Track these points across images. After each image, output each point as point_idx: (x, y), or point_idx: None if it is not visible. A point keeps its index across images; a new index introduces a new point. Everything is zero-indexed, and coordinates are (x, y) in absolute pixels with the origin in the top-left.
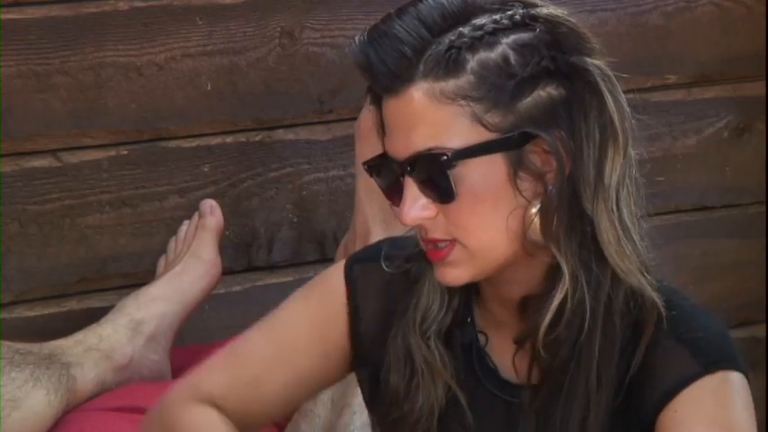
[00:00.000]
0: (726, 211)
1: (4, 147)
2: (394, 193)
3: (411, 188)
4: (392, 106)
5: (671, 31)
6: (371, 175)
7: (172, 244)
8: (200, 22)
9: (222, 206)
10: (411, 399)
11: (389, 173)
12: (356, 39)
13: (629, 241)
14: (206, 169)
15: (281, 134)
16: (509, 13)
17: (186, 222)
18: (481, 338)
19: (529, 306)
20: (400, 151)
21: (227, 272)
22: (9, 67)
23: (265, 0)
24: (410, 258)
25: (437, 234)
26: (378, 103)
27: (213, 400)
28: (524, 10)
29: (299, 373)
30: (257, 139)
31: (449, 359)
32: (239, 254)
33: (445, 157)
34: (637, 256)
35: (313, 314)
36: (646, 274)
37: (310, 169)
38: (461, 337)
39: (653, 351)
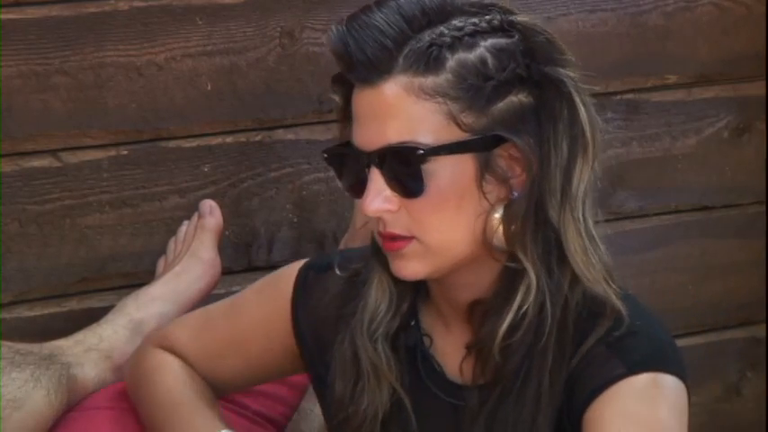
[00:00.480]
0: (726, 211)
1: (4, 147)
2: (355, 184)
3: (376, 180)
4: (366, 97)
5: (671, 31)
6: (329, 164)
7: (171, 244)
8: (200, 22)
9: (222, 206)
10: (356, 401)
11: (353, 163)
12: (334, 27)
13: (595, 250)
14: (206, 169)
15: (280, 134)
16: (488, 17)
17: (186, 223)
18: (426, 341)
19: (477, 310)
20: (369, 142)
21: (226, 272)
22: (9, 67)
23: (265, 0)
24: (361, 261)
25: (396, 229)
26: (344, 92)
27: (176, 352)
28: (503, 16)
29: (248, 360)
30: (257, 139)
31: (394, 363)
32: (239, 254)
33: (421, 152)
34: (602, 265)
35: (262, 308)
36: (611, 282)
37: (310, 169)
38: (406, 340)
39: (590, 354)
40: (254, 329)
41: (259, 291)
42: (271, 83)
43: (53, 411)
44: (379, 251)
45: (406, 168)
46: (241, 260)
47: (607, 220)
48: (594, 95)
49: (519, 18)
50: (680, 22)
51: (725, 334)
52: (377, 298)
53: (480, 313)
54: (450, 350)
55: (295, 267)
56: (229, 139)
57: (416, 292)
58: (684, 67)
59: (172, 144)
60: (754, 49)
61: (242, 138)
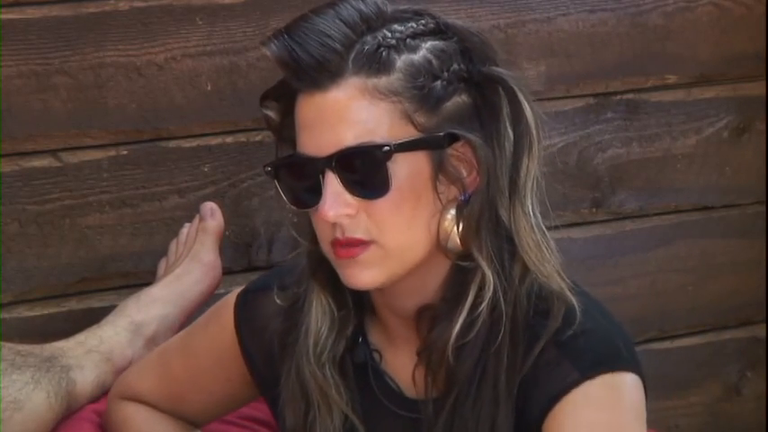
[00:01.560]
0: (726, 211)
1: (4, 147)
2: (306, 195)
3: (333, 184)
4: (316, 102)
5: (671, 31)
6: (273, 178)
7: (172, 246)
8: (200, 22)
9: (222, 206)
10: None
11: (304, 173)
12: (273, 36)
13: (547, 244)
14: (206, 169)
15: None
16: (423, 21)
17: (187, 225)
18: (375, 356)
19: (425, 316)
20: (323, 148)
21: (226, 272)
22: (9, 67)
23: (265, 0)
24: (299, 283)
25: (357, 233)
26: (281, 107)
27: (141, 399)
28: (437, 19)
29: (211, 395)
30: (257, 139)
31: (344, 388)
32: (239, 254)
33: (387, 148)
34: (554, 260)
35: (210, 343)
36: (564, 277)
37: None
38: (355, 358)
39: (541, 356)
40: (208, 365)
41: (205, 325)
42: (271, 83)
43: (53, 414)
44: (316, 270)
45: (368, 169)
46: (241, 260)
47: (607, 221)
48: (594, 95)
49: (452, 21)
50: (680, 22)
51: (725, 334)
52: (317, 320)
53: (429, 318)
54: (401, 363)
55: (233, 295)
56: (229, 139)
57: (361, 309)
58: (684, 67)
59: (172, 144)
60: (754, 49)
61: (242, 138)
